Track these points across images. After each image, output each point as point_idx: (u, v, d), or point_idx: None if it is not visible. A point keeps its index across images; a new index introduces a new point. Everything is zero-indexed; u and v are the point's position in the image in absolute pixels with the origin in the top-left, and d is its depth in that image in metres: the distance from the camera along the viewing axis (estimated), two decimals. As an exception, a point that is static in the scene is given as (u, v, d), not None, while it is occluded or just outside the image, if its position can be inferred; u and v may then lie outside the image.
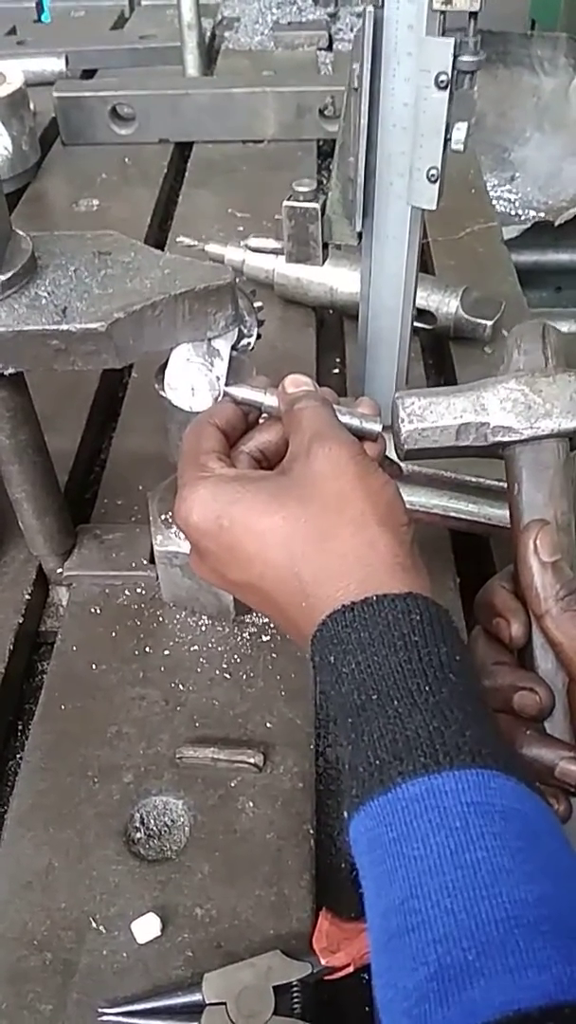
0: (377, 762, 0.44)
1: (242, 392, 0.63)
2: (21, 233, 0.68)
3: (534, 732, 0.57)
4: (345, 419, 0.60)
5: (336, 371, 1.17)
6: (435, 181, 0.70)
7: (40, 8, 2.26)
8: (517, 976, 0.36)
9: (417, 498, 0.86)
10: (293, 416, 0.58)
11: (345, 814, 0.46)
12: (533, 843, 0.41)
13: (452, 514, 0.86)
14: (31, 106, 1.48)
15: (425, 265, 1.28)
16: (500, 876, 0.39)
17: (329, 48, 1.99)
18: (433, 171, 0.70)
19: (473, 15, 0.63)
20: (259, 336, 0.73)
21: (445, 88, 0.65)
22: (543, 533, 0.58)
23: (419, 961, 0.38)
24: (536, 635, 0.58)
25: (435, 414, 0.64)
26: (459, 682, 0.47)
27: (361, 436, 0.60)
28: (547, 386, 0.62)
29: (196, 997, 0.57)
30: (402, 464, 0.84)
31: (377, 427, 0.60)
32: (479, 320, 1.08)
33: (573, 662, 0.56)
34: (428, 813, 0.41)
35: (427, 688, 0.46)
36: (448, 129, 0.67)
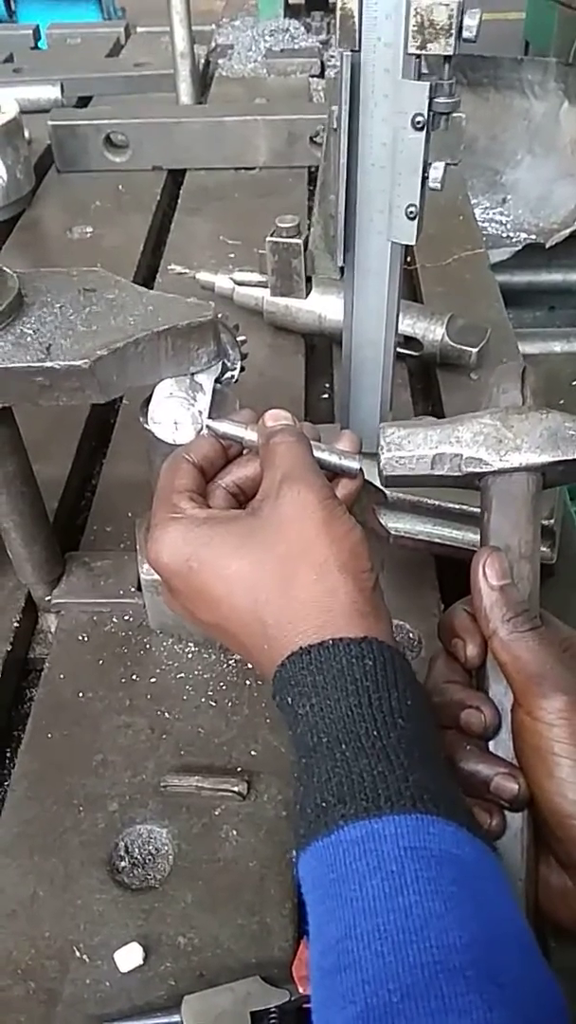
0: (323, 804, 0.45)
1: (223, 427, 0.64)
2: (8, 271, 0.69)
3: (475, 748, 0.58)
4: (324, 455, 0.61)
5: (325, 396, 1.18)
6: (414, 218, 0.72)
7: (37, 35, 2.29)
8: (437, 1020, 0.37)
9: (402, 524, 0.88)
10: (268, 451, 0.59)
11: (294, 853, 0.47)
12: (467, 888, 0.42)
13: (437, 540, 0.87)
14: (26, 134, 1.50)
15: (413, 291, 1.30)
16: (431, 920, 0.40)
17: (321, 75, 2.02)
18: (411, 208, 0.71)
19: (447, 59, 0.65)
20: (243, 369, 0.74)
21: (421, 129, 0.67)
22: (492, 559, 0.60)
23: (348, 1000, 0.39)
24: (489, 657, 0.60)
25: (413, 444, 0.68)
26: (408, 727, 0.48)
27: (340, 472, 0.61)
28: (518, 422, 0.65)
29: (175, 1019, 0.58)
30: (387, 491, 0.86)
31: (356, 465, 0.62)
32: (464, 347, 1.10)
33: (516, 681, 0.57)
34: (366, 856, 0.43)
35: (375, 733, 0.47)
36: (425, 168, 0.69)
